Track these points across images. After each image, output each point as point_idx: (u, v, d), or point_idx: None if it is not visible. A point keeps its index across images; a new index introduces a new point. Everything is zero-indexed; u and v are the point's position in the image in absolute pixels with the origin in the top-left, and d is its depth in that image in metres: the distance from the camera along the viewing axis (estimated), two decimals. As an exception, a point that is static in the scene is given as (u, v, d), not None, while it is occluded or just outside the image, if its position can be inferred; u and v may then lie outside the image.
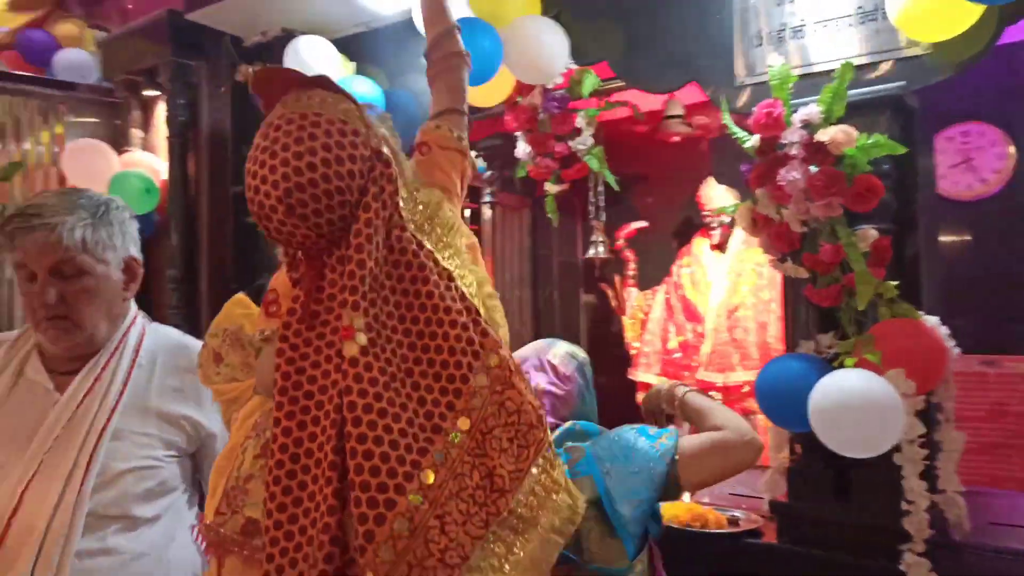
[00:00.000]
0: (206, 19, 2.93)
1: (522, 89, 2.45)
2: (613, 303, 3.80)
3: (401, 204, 0.88)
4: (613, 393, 3.90)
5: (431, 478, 0.78)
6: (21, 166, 3.12)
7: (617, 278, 3.78)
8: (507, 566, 0.77)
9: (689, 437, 1.43)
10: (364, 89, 2.78)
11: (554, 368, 1.54)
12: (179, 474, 1.52)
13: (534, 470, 0.82)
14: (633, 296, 3.70)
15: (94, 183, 2.98)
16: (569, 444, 1.43)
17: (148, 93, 3.22)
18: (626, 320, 3.70)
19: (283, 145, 0.78)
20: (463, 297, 0.85)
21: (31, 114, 3.23)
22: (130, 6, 3.85)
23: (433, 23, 1.04)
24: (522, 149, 2.52)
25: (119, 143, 3.26)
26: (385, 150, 0.86)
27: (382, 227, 0.84)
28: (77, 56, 3.47)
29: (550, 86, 2.38)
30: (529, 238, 4.05)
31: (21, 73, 3.36)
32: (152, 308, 3.24)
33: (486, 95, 2.58)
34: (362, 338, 0.80)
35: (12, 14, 3.61)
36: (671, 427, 1.48)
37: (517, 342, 3.77)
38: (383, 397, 0.79)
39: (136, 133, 3.28)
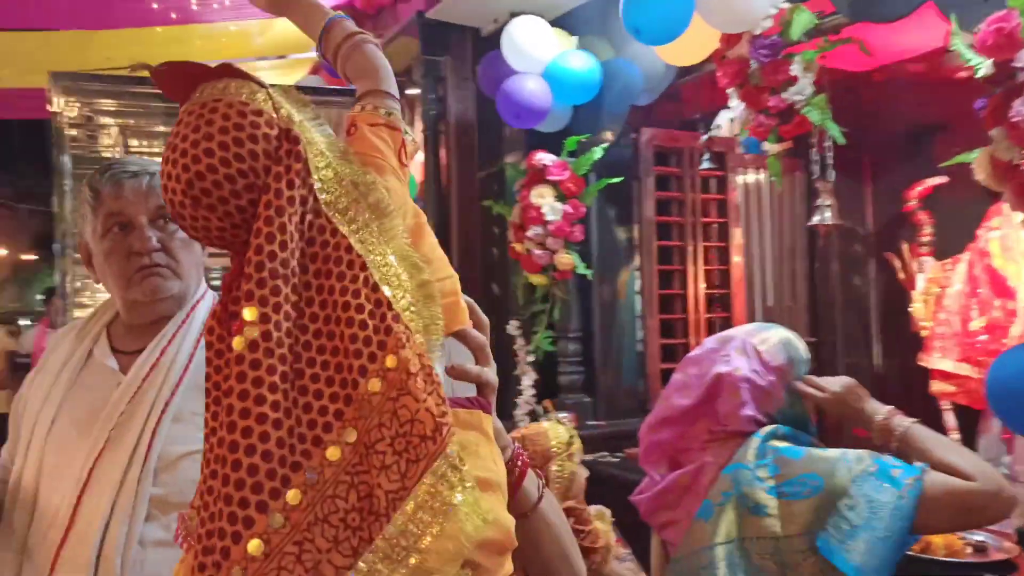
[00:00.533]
0: (444, 15, 3.11)
1: (730, 41, 2.17)
2: (900, 275, 3.20)
3: (319, 185, 0.81)
4: (900, 381, 3.31)
5: (298, 498, 0.72)
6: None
7: (906, 246, 3.17)
8: None
9: (934, 479, 1.19)
10: (578, 63, 2.72)
11: (759, 354, 1.38)
12: None
13: (422, 489, 0.71)
14: (928, 267, 3.07)
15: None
16: (776, 452, 1.28)
17: (411, 92, 3.54)
18: (916, 295, 3.09)
19: (182, 137, 0.77)
20: (375, 288, 0.76)
21: (332, 122, 3.77)
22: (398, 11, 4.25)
23: (309, 27, 0.99)
24: (736, 107, 2.24)
25: (392, 140, 3.64)
26: (295, 129, 0.81)
27: (289, 209, 0.78)
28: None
29: (758, 32, 2.07)
30: (803, 204, 3.59)
31: (321, 87, 3.94)
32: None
33: (685, 52, 2.35)
34: (253, 331, 0.73)
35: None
36: (917, 464, 1.21)
37: (788, 319, 3.41)
38: (266, 400, 0.72)
39: (404, 129, 3.63)
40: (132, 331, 1.34)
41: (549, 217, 2.72)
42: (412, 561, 0.70)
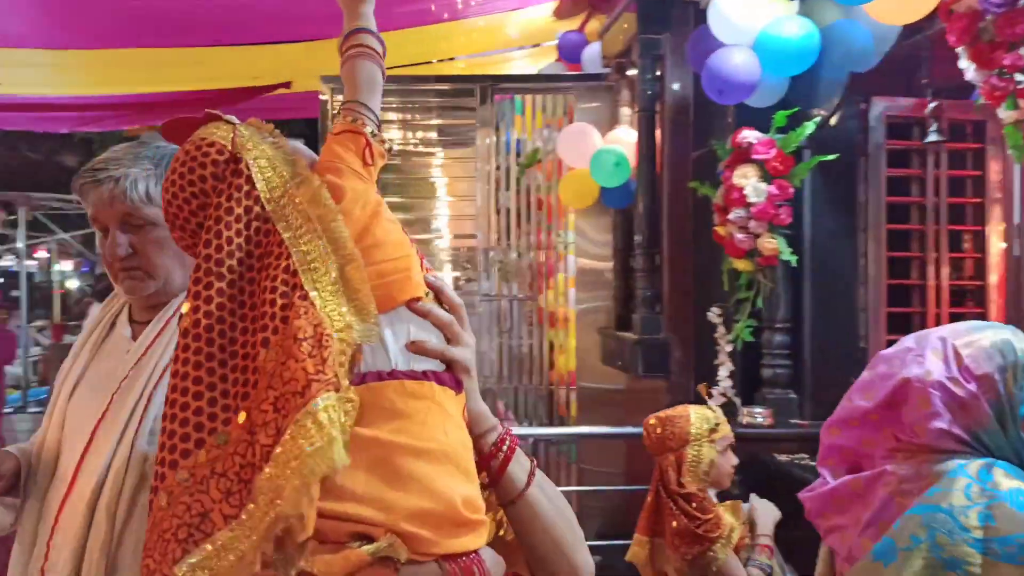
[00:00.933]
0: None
1: (958, -9, 1.85)
2: None
3: (265, 195, 0.92)
4: None
5: (203, 458, 0.82)
6: (539, 153, 3.79)
7: None
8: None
9: None
10: (793, 30, 2.50)
11: (959, 358, 1.14)
12: None
13: (286, 441, 0.78)
14: None
15: (581, 161, 3.45)
16: (994, 497, 1.02)
17: (631, 72, 3.51)
18: None
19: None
20: (293, 272, 0.86)
21: (553, 106, 3.89)
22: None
23: (347, 20, 1.05)
24: (967, 68, 1.90)
25: (614, 124, 3.65)
26: (241, 152, 0.93)
27: (227, 218, 0.91)
28: (594, 49, 3.98)
29: (992, -23, 1.73)
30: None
31: (558, 73, 4.06)
32: (628, 276, 3.57)
33: (904, 10, 2.06)
34: (186, 321, 0.88)
35: (555, 21, 4.34)
36: None
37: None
38: (188, 376, 0.86)
39: (625, 112, 3.61)
40: (145, 304, 1.42)
41: (752, 199, 2.54)
42: (275, 510, 0.77)
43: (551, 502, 0.99)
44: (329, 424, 0.76)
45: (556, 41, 4.32)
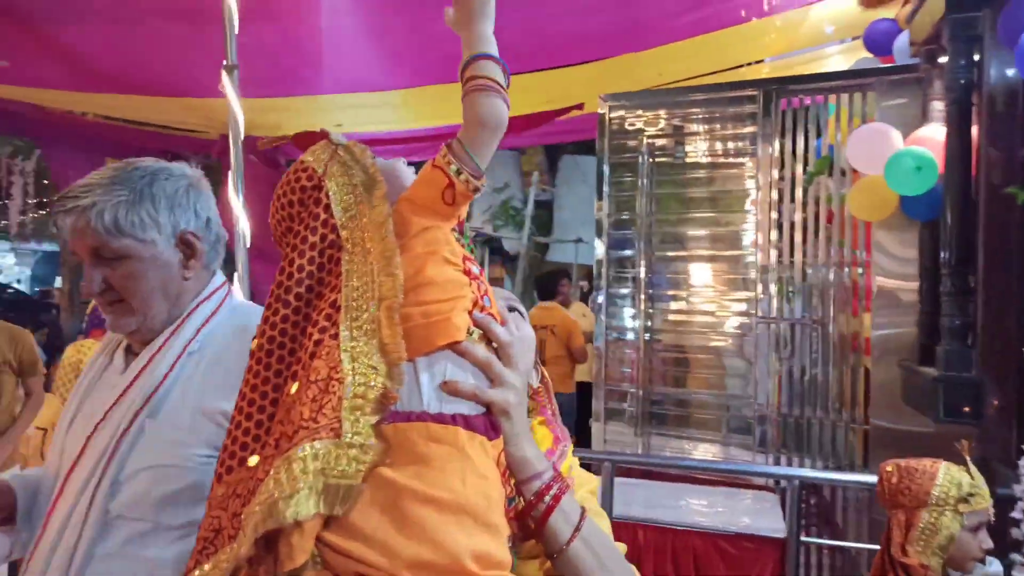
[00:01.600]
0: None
1: None
2: None
3: (341, 222, 0.94)
4: None
5: (236, 477, 0.88)
6: (826, 160, 3.38)
7: None
8: None
9: None
10: None
11: None
12: None
13: (268, 480, 0.80)
14: None
15: (874, 167, 3.01)
16: None
17: (943, 60, 2.97)
18: None
19: None
20: (335, 306, 0.89)
21: (843, 107, 3.45)
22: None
23: (464, 44, 0.97)
24: None
25: (922, 122, 3.13)
26: (326, 178, 0.95)
27: (301, 246, 0.93)
28: (905, 38, 3.45)
29: None
30: None
31: (836, 71, 3.60)
32: (935, 301, 3.00)
33: None
34: (253, 343, 0.93)
35: (864, 10, 3.85)
36: None
37: None
38: (245, 396, 0.92)
39: (936, 107, 3.07)
40: (138, 337, 1.33)
41: (1085, 207, 1.98)
42: (233, 546, 0.83)
43: (598, 558, 0.91)
44: (301, 475, 0.77)
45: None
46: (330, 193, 0.95)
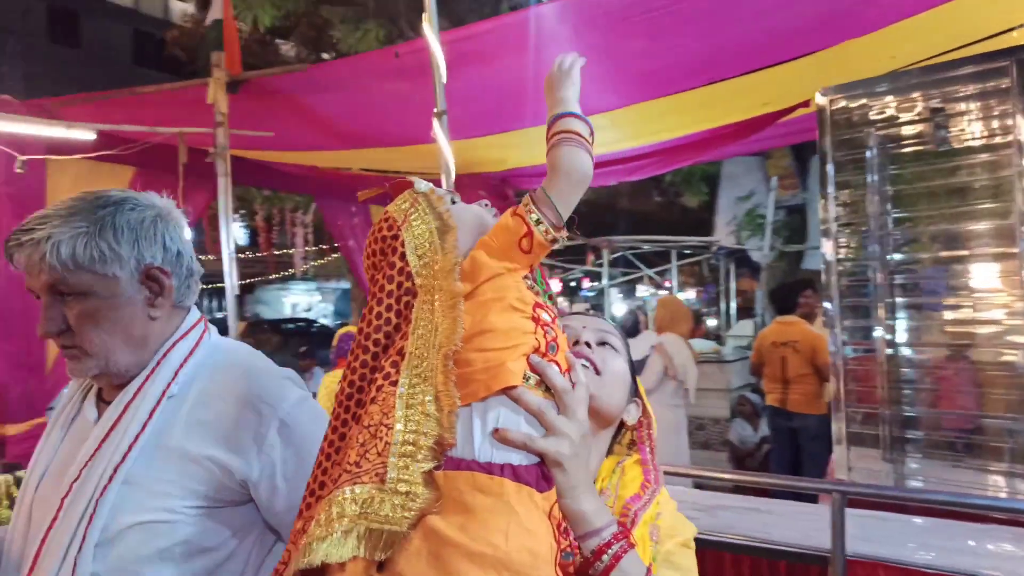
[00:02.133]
0: None
1: None
2: None
3: (416, 269, 0.95)
4: None
5: (307, 513, 0.93)
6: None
7: None
8: None
9: None
10: None
11: None
12: (218, 531, 1.19)
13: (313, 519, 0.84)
14: None
15: None
16: None
17: None
18: None
19: None
20: (401, 352, 0.90)
21: None
22: None
23: (549, 106, 0.96)
24: None
25: None
26: (406, 231, 0.97)
27: (380, 294, 0.97)
28: None
29: None
30: None
31: None
32: None
33: None
34: (336, 386, 0.96)
35: None
36: None
37: None
38: (325, 438, 0.96)
39: None
40: (108, 382, 1.24)
41: None
42: None
43: None
44: (337, 518, 0.79)
45: None
46: (406, 242, 0.98)
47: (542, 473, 0.88)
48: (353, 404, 0.96)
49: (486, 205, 1.11)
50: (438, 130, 3.39)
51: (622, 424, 1.19)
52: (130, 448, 1.16)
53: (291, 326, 17.14)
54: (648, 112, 4.53)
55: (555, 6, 3.70)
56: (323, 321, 21.24)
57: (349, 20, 7.61)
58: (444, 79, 3.40)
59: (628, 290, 17.06)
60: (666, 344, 5.11)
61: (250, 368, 1.29)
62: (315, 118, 4.38)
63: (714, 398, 6.23)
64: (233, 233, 4.09)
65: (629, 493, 1.09)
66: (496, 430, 0.88)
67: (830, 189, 3.62)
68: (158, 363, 1.23)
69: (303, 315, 23.56)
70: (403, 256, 0.98)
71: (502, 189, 5.60)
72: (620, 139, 4.85)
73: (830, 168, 3.63)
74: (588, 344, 1.14)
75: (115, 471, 1.14)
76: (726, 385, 6.31)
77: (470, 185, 5.54)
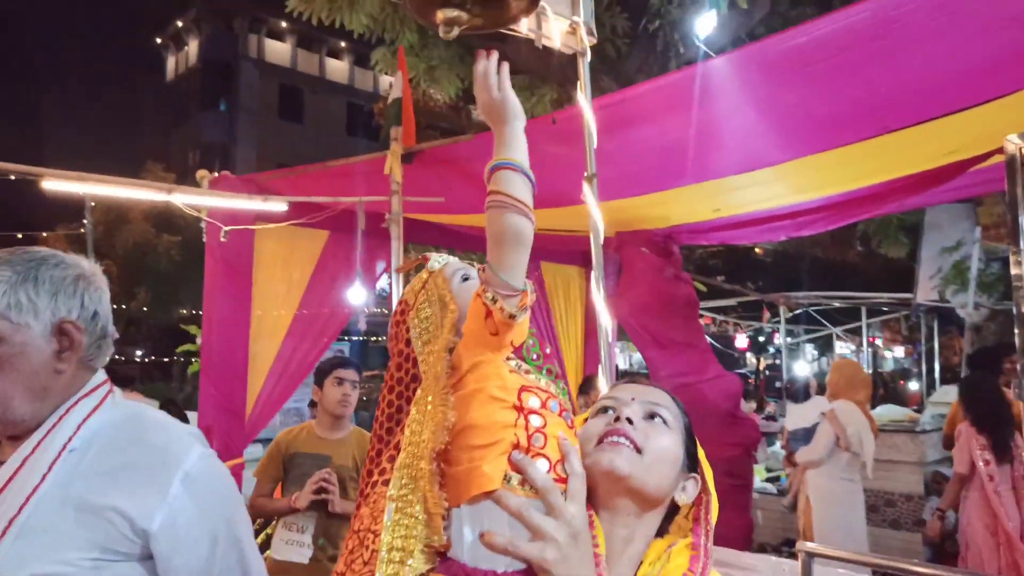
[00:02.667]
0: None
1: None
2: None
3: (415, 336, 0.97)
4: None
5: None
6: None
7: None
8: None
9: None
10: None
11: None
12: None
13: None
14: None
15: None
16: None
17: None
18: None
19: None
20: (399, 451, 0.91)
21: None
22: None
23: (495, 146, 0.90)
24: None
25: None
26: (410, 318, 1.02)
27: (392, 368, 1.00)
28: None
29: None
30: None
31: None
32: None
33: None
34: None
35: None
36: None
37: None
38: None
39: None
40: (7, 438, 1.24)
41: None
42: None
43: None
44: None
45: None
46: (411, 327, 1.00)
47: None
48: (362, 499, 0.99)
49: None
50: (588, 193, 3.48)
51: (676, 503, 1.13)
52: (27, 500, 1.15)
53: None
54: (815, 164, 4.34)
55: (715, 64, 3.69)
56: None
57: (525, 87, 8.00)
58: (595, 144, 3.50)
59: (824, 346, 15.99)
60: (838, 412, 4.71)
61: (155, 423, 1.31)
62: (480, 183, 4.64)
63: (906, 472, 5.62)
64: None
65: None
66: (482, 534, 0.84)
67: (1023, 243, 3.24)
68: (60, 418, 1.23)
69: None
70: (408, 342, 1.00)
71: (667, 246, 5.56)
72: (786, 193, 4.66)
73: (1023, 220, 3.25)
74: (630, 420, 1.07)
75: (9, 524, 1.13)
76: (920, 458, 5.68)
77: (632, 242, 5.56)
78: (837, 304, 9.29)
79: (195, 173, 4.72)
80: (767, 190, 4.63)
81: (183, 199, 3.94)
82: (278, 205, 4.23)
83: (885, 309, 9.75)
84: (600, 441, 1.04)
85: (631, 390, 1.15)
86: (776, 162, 4.14)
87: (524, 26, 3.28)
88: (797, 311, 9.35)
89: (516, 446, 0.89)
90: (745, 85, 3.86)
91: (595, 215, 3.49)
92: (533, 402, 0.94)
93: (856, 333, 10.34)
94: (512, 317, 0.95)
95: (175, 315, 13.94)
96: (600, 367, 3.40)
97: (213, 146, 29.98)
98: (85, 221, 6.89)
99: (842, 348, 14.03)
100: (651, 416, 1.10)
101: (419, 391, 0.95)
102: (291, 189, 4.94)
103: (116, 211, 14.27)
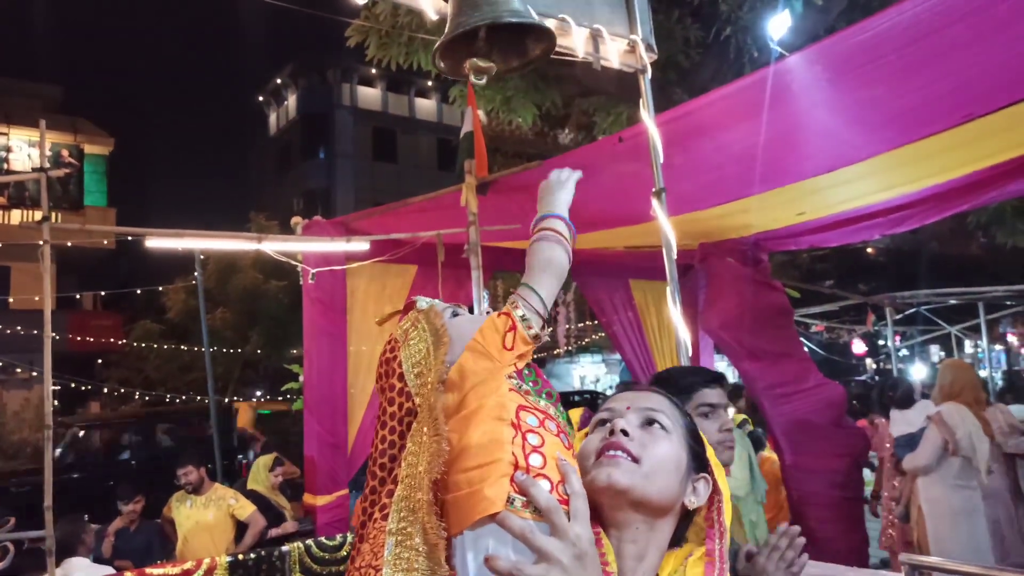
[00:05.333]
0: None
1: None
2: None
3: (413, 389, 0.96)
4: None
5: None
6: None
7: None
8: None
9: None
10: None
11: None
12: None
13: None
14: None
15: None
16: None
17: None
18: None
19: None
20: (394, 480, 0.90)
21: None
22: None
23: (539, 210, 0.95)
24: None
25: None
26: (401, 351, 1.00)
27: (383, 417, 0.99)
28: None
29: None
30: None
31: None
32: None
33: None
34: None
35: None
36: None
37: None
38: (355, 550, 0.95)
39: None
40: None
41: None
42: None
43: None
44: None
45: None
46: (403, 360, 1.00)
47: None
48: (359, 540, 0.97)
49: (488, 313, 1.11)
50: (657, 207, 3.47)
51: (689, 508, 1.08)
52: None
53: (577, 397, 17.78)
54: (903, 158, 4.15)
55: (784, 65, 3.61)
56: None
57: (602, 107, 8.03)
58: (661, 159, 3.50)
59: (951, 346, 14.99)
60: (945, 415, 4.41)
61: None
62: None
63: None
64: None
65: None
66: (487, 557, 0.83)
67: None
68: None
69: (590, 387, 24.22)
70: (401, 376, 0.99)
71: (754, 254, 5.42)
72: (874, 191, 4.47)
73: None
74: (625, 432, 1.03)
75: None
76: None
77: (717, 252, 5.45)
78: (953, 301, 8.70)
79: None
80: (853, 189, 4.46)
81: (271, 247, 4.19)
82: (360, 245, 4.43)
83: (1009, 303, 9.06)
84: (598, 456, 1.02)
85: (626, 399, 1.12)
86: (860, 159, 3.99)
87: (580, 50, 3.34)
88: (909, 311, 8.82)
89: (515, 466, 0.88)
90: (818, 83, 3.76)
91: (666, 229, 3.48)
92: (531, 420, 0.94)
93: (976, 331, 9.65)
94: (535, 338, 0.99)
95: (287, 355, 14.65)
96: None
97: (314, 192, 31.46)
98: (196, 273, 7.46)
99: (972, 348, 13.11)
100: (648, 423, 1.07)
101: (415, 424, 0.94)
102: (377, 228, 5.16)
103: (227, 261, 15.19)
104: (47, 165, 3.36)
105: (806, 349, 6.00)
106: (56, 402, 16.07)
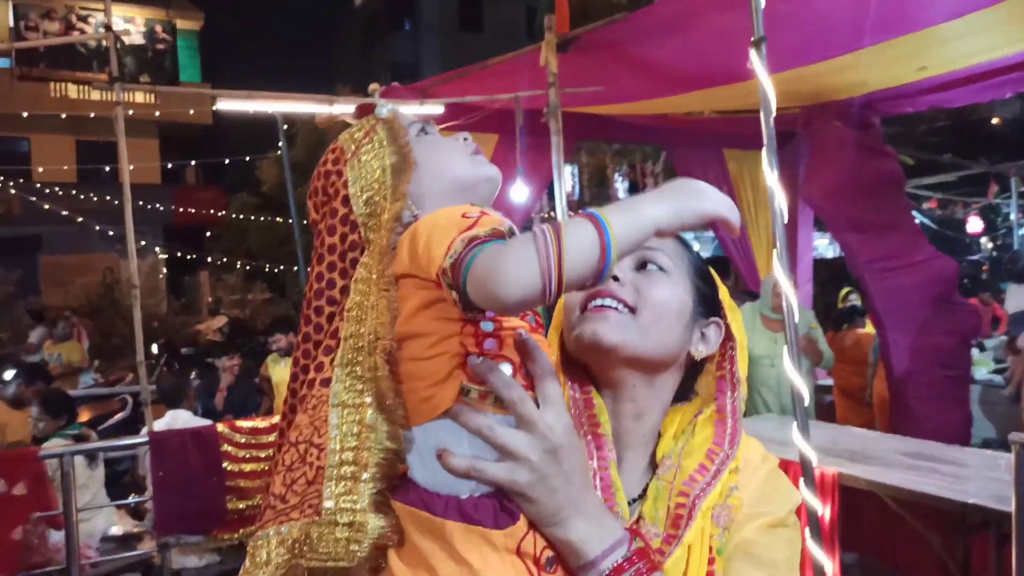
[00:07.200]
0: None
1: None
2: None
3: (356, 193, 0.74)
4: None
5: None
6: None
7: None
8: None
9: None
10: None
11: None
12: None
13: None
14: None
15: None
16: None
17: None
18: None
19: None
20: (337, 341, 0.74)
21: None
22: None
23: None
24: None
25: None
26: (349, 170, 0.77)
27: (322, 250, 0.78)
28: None
29: None
30: None
31: None
32: None
33: None
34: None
35: None
36: None
37: None
38: (285, 422, 0.81)
39: None
40: None
41: None
42: None
43: None
44: (263, 565, 0.67)
45: None
46: (350, 181, 0.78)
47: (500, 505, 0.70)
48: (297, 401, 0.79)
49: (465, 139, 0.89)
50: (756, 61, 3.12)
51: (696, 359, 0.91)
52: None
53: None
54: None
55: None
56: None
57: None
58: (762, 3, 3.11)
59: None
60: (1068, 289, 4.01)
61: None
62: (641, 66, 4.35)
63: None
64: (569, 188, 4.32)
65: (694, 464, 0.83)
66: (440, 453, 0.70)
67: None
68: None
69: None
70: (346, 200, 0.78)
71: (864, 116, 4.93)
72: (1008, 41, 3.90)
73: None
74: (615, 277, 0.85)
75: None
76: None
77: (822, 116, 5.00)
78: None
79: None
80: (983, 39, 3.91)
81: (342, 108, 4.08)
82: (435, 108, 4.26)
83: None
84: (583, 309, 0.87)
85: None
86: (993, 2, 3.44)
87: None
88: (1036, 181, 8.00)
89: (466, 353, 0.71)
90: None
91: (765, 84, 3.14)
92: None
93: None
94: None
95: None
96: (775, 253, 3.12)
97: (401, 66, 30.97)
98: (281, 143, 7.45)
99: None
100: (642, 265, 0.89)
101: (359, 267, 0.75)
102: (455, 93, 4.95)
103: (316, 134, 15.25)
104: (113, 25, 3.29)
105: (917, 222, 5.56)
106: (165, 270, 17.04)
